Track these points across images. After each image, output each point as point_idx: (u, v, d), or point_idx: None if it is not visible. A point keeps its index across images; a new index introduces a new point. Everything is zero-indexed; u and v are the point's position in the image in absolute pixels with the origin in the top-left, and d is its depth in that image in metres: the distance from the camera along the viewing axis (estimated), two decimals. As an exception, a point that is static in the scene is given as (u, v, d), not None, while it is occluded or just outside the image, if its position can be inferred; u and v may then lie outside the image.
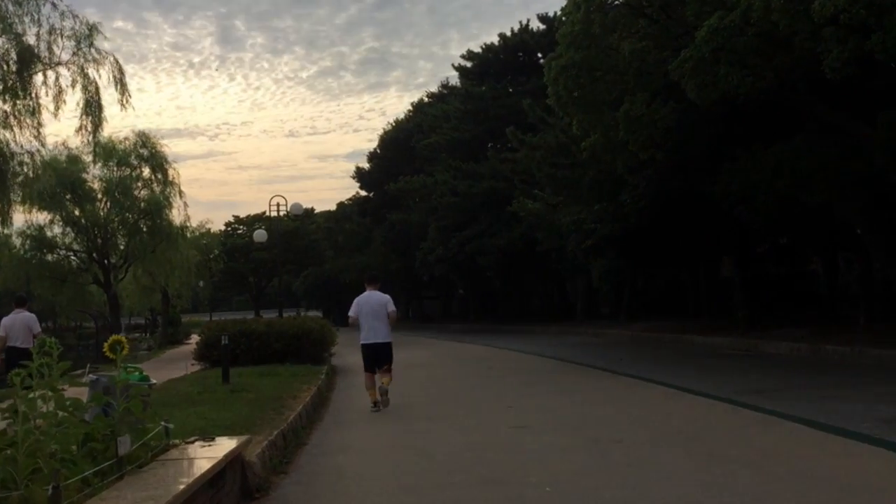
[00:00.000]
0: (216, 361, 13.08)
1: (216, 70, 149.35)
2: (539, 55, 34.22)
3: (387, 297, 9.11)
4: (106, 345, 4.39)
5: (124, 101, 16.55)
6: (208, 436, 5.39)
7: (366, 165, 47.76)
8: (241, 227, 60.89)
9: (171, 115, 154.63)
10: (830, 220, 15.12)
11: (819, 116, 12.56)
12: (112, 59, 16.63)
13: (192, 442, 5.20)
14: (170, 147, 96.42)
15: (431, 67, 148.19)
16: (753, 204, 14.06)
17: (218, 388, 9.85)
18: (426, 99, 44.35)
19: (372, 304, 8.96)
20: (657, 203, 17.25)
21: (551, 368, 13.21)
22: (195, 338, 17.17)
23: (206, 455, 4.82)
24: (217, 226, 58.80)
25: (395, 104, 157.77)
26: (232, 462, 5.02)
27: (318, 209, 62.78)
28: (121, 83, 16.33)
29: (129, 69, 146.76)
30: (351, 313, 9.05)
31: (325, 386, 11.14)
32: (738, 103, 11.98)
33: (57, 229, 28.27)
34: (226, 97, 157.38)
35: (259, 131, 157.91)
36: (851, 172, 11.89)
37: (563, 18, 13.89)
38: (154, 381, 6.21)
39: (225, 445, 5.14)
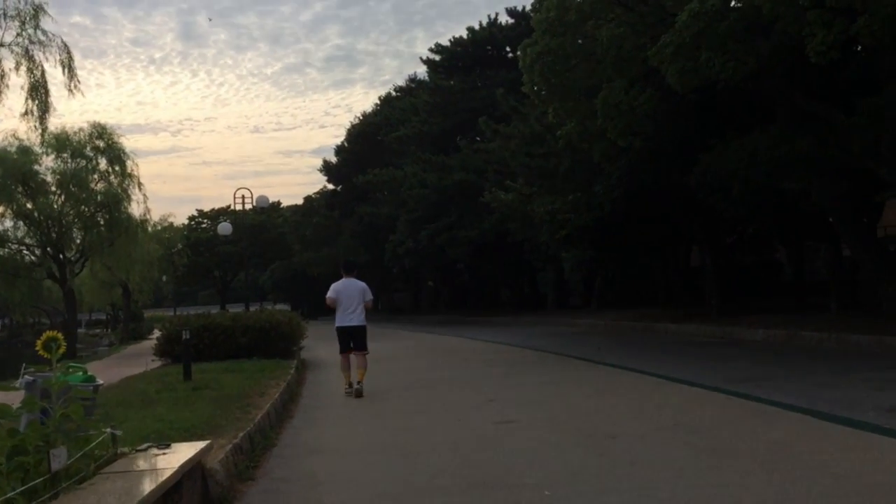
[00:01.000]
0: (178, 357, 12.39)
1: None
2: (508, 49, 33.83)
3: (364, 285, 9.53)
4: (39, 342, 3.78)
5: (73, 86, 15.60)
6: (163, 442, 4.82)
7: (333, 159, 46.94)
8: (206, 220, 59.47)
9: (131, 110, 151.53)
10: (803, 209, 15.02)
11: (796, 105, 12.39)
12: (59, 41, 15.69)
13: (145, 450, 4.63)
14: (128, 139, 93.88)
15: (397, 65, 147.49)
16: (729, 193, 13.86)
17: (178, 385, 9.22)
18: (394, 93, 43.68)
19: (350, 291, 9.40)
20: (631, 193, 17.00)
21: (529, 359, 12.81)
22: (158, 333, 16.49)
23: (160, 465, 4.27)
24: (181, 220, 57.31)
25: (362, 101, 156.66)
26: (190, 471, 4.46)
27: (284, 204, 61.72)
28: (69, 67, 15.38)
29: (87, 65, 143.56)
30: (330, 295, 9.46)
31: (295, 381, 10.56)
32: (717, 91, 11.70)
33: (8, 223, 27.10)
34: (188, 93, 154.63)
35: (223, 127, 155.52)
36: (828, 160, 11.72)
37: (538, 4, 13.46)
38: (100, 382, 5.60)
39: (182, 453, 4.58)
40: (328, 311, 9.80)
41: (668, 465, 4.66)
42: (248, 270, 36.73)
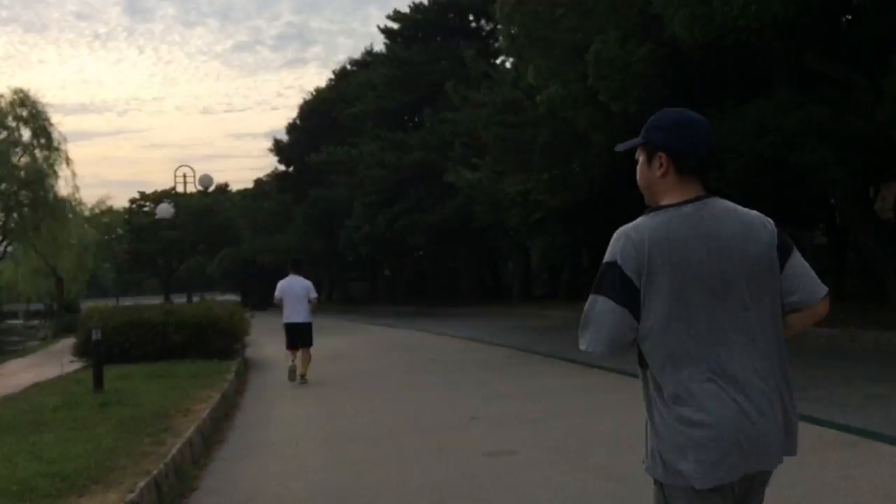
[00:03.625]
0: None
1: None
2: (472, 18, 32.19)
3: (308, 283, 10.08)
4: None
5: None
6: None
7: (285, 138, 44.56)
8: (148, 204, 56.33)
9: (75, 89, 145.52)
10: (805, 190, 13.81)
11: (805, 68, 11.06)
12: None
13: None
14: (72, 119, 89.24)
15: (352, 44, 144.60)
16: (726, 170, 12.48)
17: (85, 399, 7.45)
18: (349, 67, 41.54)
19: (295, 289, 9.87)
20: (612, 170, 15.58)
21: (505, 359, 11.33)
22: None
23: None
24: (123, 204, 54.11)
25: (315, 81, 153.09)
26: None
27: (235, 189, 59.04)
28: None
29: (28, 39, 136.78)
30: (276, 294, 10.01)
31: (233, 390, 8.87)
32: (721, 48, 10.28)
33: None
34: (135, 71, 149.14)
35: (172, 108, 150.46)
36: (845, 131, 10.42)
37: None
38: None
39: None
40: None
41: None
42: (193, 258, 34.40)
